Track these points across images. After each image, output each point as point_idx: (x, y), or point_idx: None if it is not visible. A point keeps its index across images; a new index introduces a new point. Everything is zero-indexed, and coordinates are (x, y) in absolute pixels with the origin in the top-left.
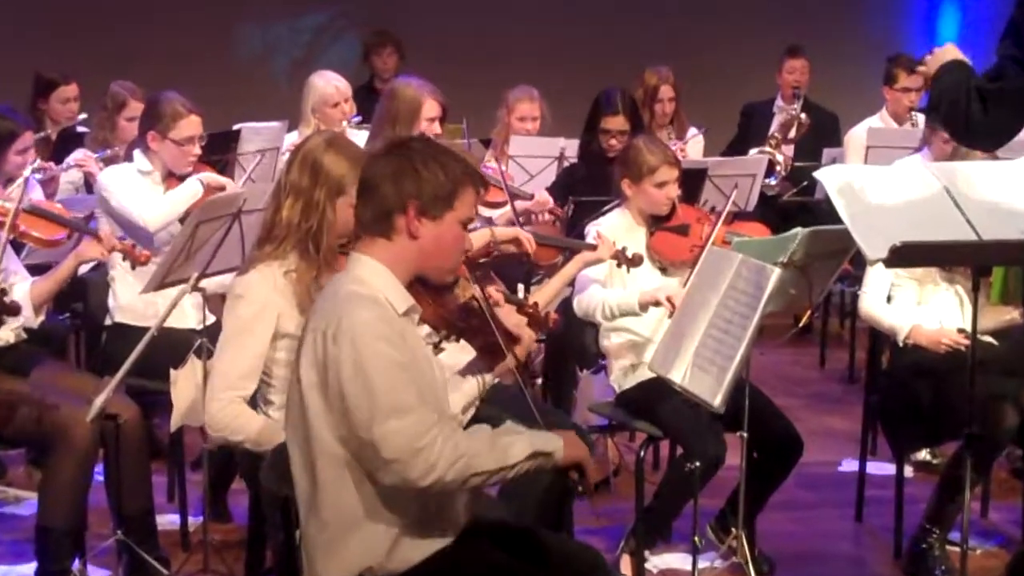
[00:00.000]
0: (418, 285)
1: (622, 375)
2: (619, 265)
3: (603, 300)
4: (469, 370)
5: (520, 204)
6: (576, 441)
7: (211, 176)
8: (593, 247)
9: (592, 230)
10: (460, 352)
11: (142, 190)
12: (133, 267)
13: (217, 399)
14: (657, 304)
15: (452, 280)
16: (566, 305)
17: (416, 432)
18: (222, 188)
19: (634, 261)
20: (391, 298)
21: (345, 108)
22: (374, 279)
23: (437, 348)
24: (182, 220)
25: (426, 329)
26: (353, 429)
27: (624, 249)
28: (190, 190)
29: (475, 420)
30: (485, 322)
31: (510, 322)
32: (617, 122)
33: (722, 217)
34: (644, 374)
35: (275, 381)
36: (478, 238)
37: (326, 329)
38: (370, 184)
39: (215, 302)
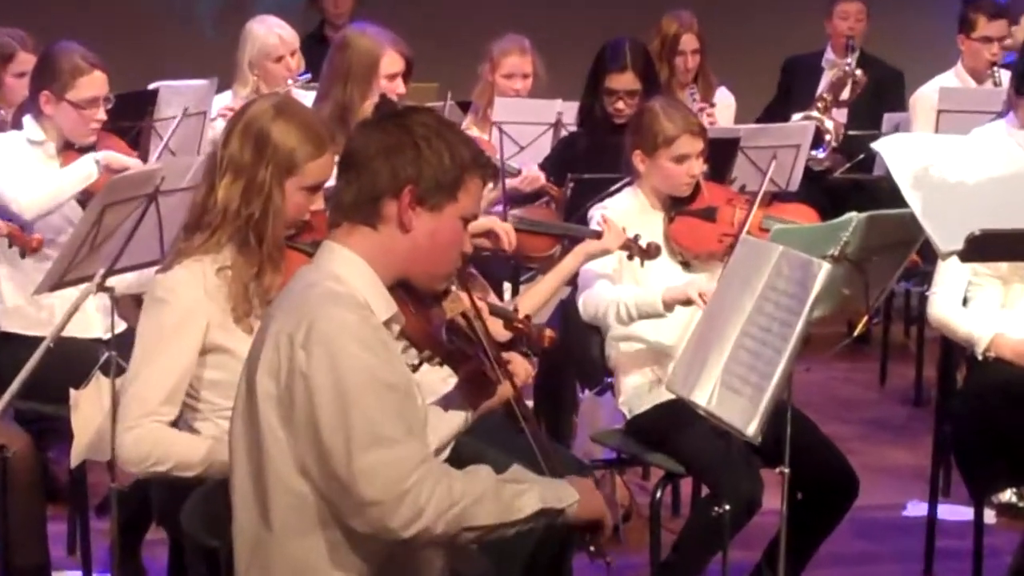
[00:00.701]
0: (401, 291)
1: (634, 396)
2: (630, 258)
3: (617, 299)
4: (447, 404)
5: (507, 182)
6: (593, 493)
7: (111, 156)
8: (598, 235)
9: (596, 214)
10: (430, 374)
11: (30, 165)
12: (23, 255)
13: (132, 429)
14: (687, 303)
15: (443, 289)
16: (563, 309)
17: (404, 469)
18: (125, 170)
19: (649, 252)
20: (371, 301)
21: (291, 62)
22: (352, 276)
23: (415, 370)
24: (83, 203)
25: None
26: (325, 461)
27: (636, 237)
28: (82, 172)
29: (454, 458)
30: (476, 347)
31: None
32: (625, 80)
33: (758, 198)
34: (661, 395)
35: (201, 406)
36: None
37: (294, 332)
38: (358, 159)
39: (126, 305)
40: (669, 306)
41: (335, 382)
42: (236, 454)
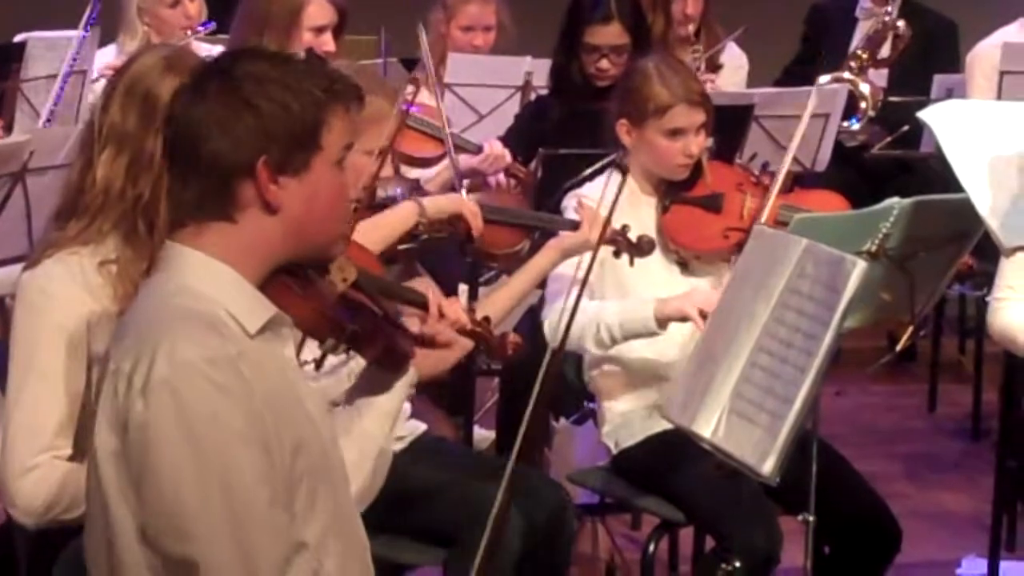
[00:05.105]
0: (281, 275)
1: (622, 426)
2: (617, 254)
3: (596, 317)
4: (357, 393)
5: (463, 159)
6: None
7: None
8: (575, 225)
9: (572, 201)
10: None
11: None
12: None
13: (31, 471)
14: (683, 319)
15: (340, 252)
16: (533, 318)
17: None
18: None
19: (640, 247)
20: (238, 313)
21: (189, 9)
22: (210, 286)
23: (317, 367)
24: None
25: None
26: (157, 536)
27: (624, 228)
28: None
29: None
30: (378, 317)
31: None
32: (610, 33)
33: (777, 182)
34: (655, 424)
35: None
36: (400, 217)
37: (132, 372)
38: (187, 144)
39: None
40: (663, 323)
41: (186, 434)
42: (88, 528)
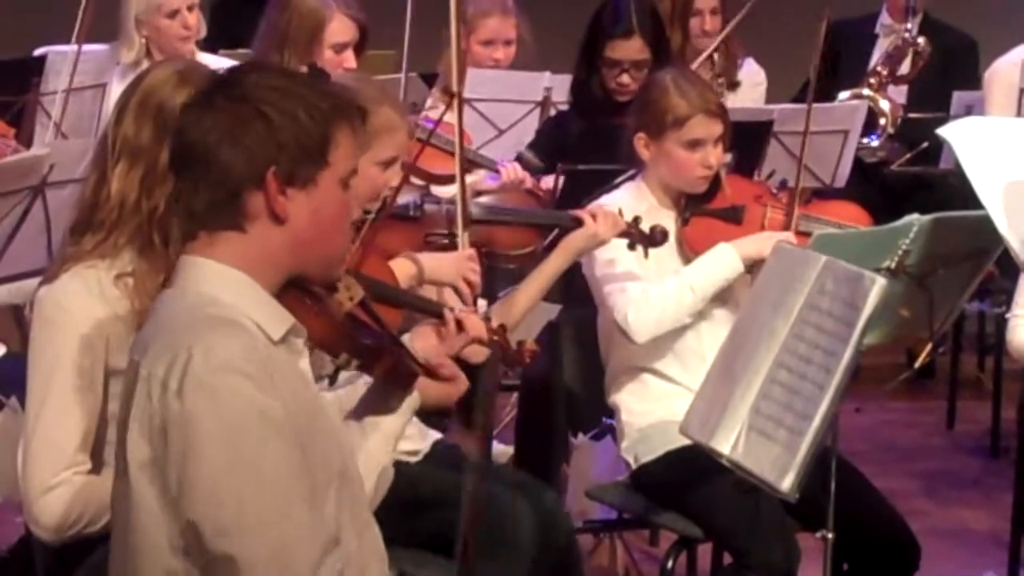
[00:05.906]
0: (295, 290)
1: (641, 441)
2: (631, 246)
3: (681, 288)
4: (370, 404)
5: (482, 185)
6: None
7: None
8: (579, 221)
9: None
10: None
11: None
12: None
13: (55, 488)
14: (760, 260)
15: (342, 272)
16: (551, 334)
17: (298, 548)
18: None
19: (653, 238)
20: (260, 319)
21: (188, 19)
22: (229, 293)
23: (332, 381)
24: None
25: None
26: (195, 536)
27: (636, 220)
28: None
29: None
30: (382, 336)
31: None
32: (631, 48)
33: (796, 196)
34: (674, 440)
35: (106, 448)
36: (399, 277)
37: (167, 375)
38: (197, 153)
39: (2, 323)
40: (749, 263)
41: (227, 443)
42: (115, 540)
